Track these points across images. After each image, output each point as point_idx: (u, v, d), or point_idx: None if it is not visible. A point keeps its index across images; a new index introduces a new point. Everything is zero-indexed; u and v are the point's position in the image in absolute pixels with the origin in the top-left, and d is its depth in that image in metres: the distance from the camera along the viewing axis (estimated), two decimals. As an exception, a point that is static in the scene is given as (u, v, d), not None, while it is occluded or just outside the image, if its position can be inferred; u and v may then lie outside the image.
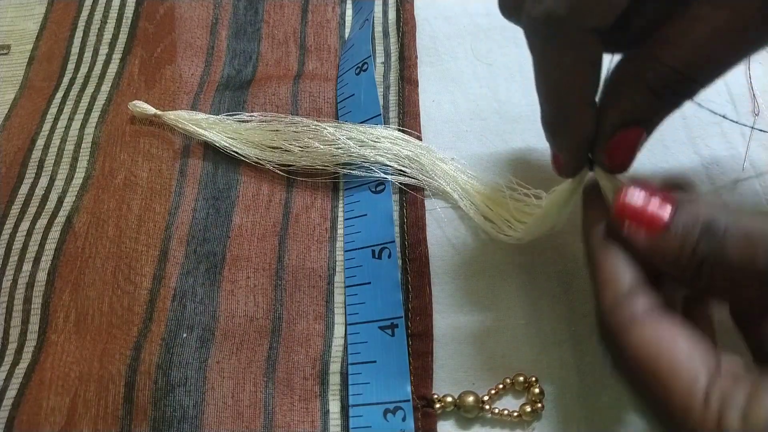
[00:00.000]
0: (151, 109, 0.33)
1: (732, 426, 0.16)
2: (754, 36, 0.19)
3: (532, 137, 0.33)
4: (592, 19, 0.19)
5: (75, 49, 0.37)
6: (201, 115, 0.33)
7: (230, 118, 0.33)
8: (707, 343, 0.18)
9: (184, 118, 0.32)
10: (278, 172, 0.31)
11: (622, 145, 0.21)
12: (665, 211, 0.19)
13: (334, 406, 0.26)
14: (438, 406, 0.25)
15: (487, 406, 0.25)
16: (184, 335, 0.27)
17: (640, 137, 0.21)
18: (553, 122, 0.22)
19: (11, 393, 0.27)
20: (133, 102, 0.33)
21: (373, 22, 0.37)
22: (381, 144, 0.30)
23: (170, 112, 0.33)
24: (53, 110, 0.35)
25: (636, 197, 0.20)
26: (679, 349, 0.18)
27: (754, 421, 0.16)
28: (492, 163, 0.32)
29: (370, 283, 0.28)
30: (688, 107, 0.33)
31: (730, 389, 0.17)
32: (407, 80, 0.34)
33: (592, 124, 0.21)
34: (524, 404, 0.25)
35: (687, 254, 0.18)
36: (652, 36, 0.20)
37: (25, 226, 0.31)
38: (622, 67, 0.21)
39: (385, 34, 0.37)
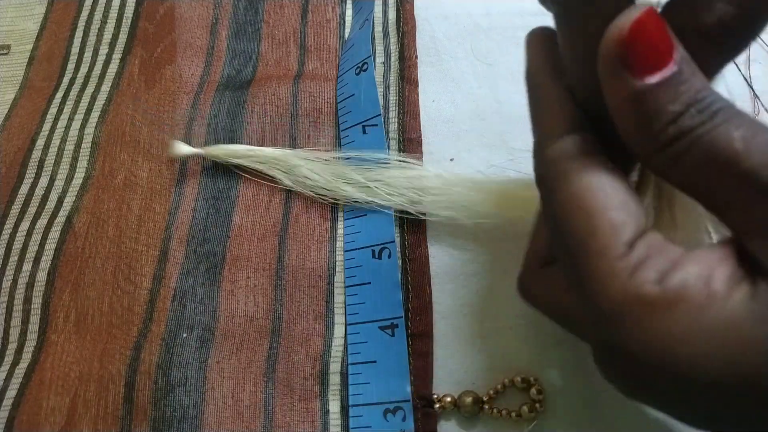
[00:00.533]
0: (192, 150, 0.31)
1: (647, 277, 0.15)
2: None
3: (532, 137, 0.33)
4: None
5: (75, 49, 0.37)
6: (242, 147, 0.31)
7: (275, 149, 0.31)
8: (640, 206, 0.17)
9: (228, 153, 0.31)
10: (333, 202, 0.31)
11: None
12: (668, 55, 0.15)
13: (334, 406, 0.26)
14: (438, 406, 0.25)
15: (487, 406, 0.25)
16: (184, 335, 0.27)
17: None
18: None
19: (11, 393, 0.27)
20: (176, 144, 0.31)
21: (373, 22, 0.37)
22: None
23: (212, 148, 0.31)
24: (53, 110, 0.35)
25: (652, 20, 0.15)
26: (613, 194, 0.16)
27: (669, 285, 0.15)
28: (492, 163, 0.32)
29: (370, 283, 0.28)
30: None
31: (657, 248, 0.16)
32: (407, 80, 0.34)
33: None
34: (524, 404, 0.25)
35: (664, 120, 0.15)
36: None
37: (25, 226, 0.31)
38: (672, 12, 0.17)
39: (385, 34, 0.37)
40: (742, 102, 0.34)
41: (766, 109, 0.34)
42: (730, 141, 0.14)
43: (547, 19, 0.39)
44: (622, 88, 0.15)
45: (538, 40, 0.20)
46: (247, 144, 0.32)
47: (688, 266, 0.15)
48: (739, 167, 0.14)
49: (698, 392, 0.15)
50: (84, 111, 0.35)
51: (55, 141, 0.34)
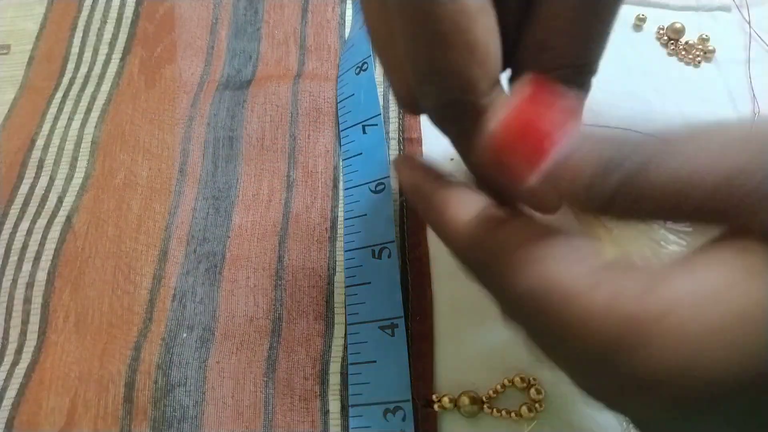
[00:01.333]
0: None
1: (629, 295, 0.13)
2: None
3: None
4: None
5: (75, 49, 0.37)
6: None
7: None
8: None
9: None
10: None
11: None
12: (558, 129, 0.15)
13: (334, 406, 0.26)
14: (438, 406, 0.25)
15: (487, 406, 0.25)
16: (184, 335, 0.27)
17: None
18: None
19: (11, 393, 0.27)
20: None
21: (373, 22, 0.37)
22: None
23: None
24: (53, 110, 0.35)
25: (531, 102, 0.15)
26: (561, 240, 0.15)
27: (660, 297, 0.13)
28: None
29: (370, 283, 0.28)
30: (687, 107, 0.34)
31: (627, 267, 0.14)
32: (407, 80, 0.34)
33: None
34: (524, 404, 0.25)
35: (596, 182, 0.14)
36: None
37: (24, 225, 0.31)
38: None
39: (385, 34, 0.37)
40: (742, 102, 0.34)
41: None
42: (661, 172, 0.14)
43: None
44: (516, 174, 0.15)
45: (406, 163, 0.21)
46: (247, 143, 0.32)
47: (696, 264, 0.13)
48: (675, 186, 0.13)
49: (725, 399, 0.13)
50: (84, 111, 0.35)
51: (55, 141, 0.34)
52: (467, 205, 0.17)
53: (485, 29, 0.16)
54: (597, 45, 0.18)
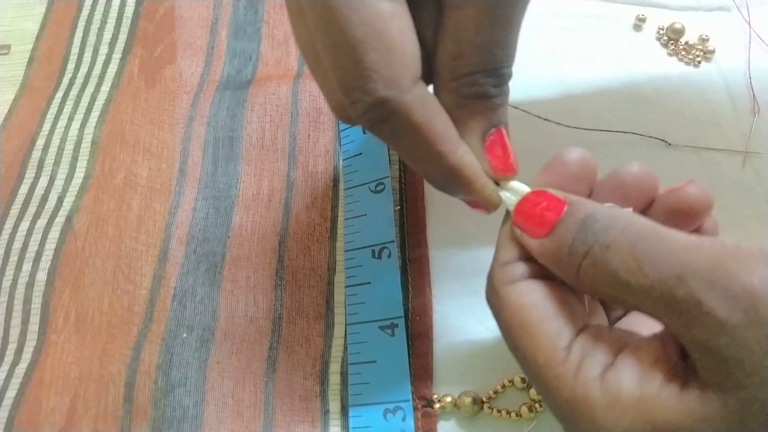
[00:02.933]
0: None
1: (589, 376, 0.17)
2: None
3: (532, 137, 0.33)
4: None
5: (75, 49, 0.37)
6: None
7: None
8: (578, 307, 0.19)
9: None
10: None
11: (496, 150, 0.21)
12: (553, 213, 0.19)
13: (334, 406, 0.26)
14: (438, 406, 0.25)
15: (487, 406, 0.25)
16: (184, 335, 0.27)
17: (503, 135, 0.21)
18: (444, 180, 0.21)
19: (11, 393, 0.27)
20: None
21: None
22: None
23: None
24: (53, 110, 0.35)
25: (530, 201, 0.20)
26: (547, 307, 0.19)
27: (607, 387, 0.17)
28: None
29: (369, 282, 0.28)
30: (687, 107, 0.34)
31: (592, 344, 0.18)
32: (407, 80, 0.34)
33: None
34: (524, 404, 0.25)
35: (564, 255, 0.18)
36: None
37: (24, 225, 0.31)
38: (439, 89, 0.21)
39: (385, 34, 0.37)
40: (742, 102, 0.34)
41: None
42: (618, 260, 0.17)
43: (545, 18, 0.39)
44: (531, 244, 0.20)
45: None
46: (247, 143, 0.32)
47: (622, 369, 0.17)
48: (635, 284, 0.16)
49: None
50: (84, 111, 0.35)
51: (55, 141, 0.34)
52: (505, 253, 0.21)
53: (400, 30, 0.18)
54: (504, 51, 0.20)
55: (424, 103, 0.19)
